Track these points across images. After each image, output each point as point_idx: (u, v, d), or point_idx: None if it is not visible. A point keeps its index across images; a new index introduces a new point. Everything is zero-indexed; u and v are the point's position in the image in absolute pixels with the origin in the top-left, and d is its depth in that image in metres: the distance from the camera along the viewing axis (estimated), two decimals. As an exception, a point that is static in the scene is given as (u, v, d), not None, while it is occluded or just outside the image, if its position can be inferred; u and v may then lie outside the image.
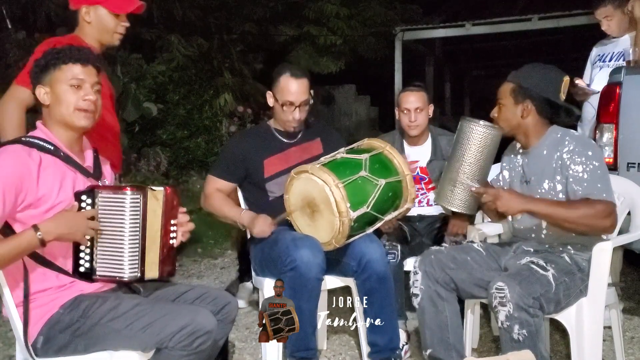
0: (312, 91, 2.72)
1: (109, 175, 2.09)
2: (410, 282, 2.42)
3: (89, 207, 1.84)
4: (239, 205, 2.81)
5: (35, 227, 1.73)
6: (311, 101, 2.71)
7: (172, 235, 1.98)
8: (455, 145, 2.38)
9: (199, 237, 5.14)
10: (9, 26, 6.12)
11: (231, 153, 2.79)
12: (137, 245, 1.85)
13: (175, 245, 1.99)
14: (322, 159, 2.51)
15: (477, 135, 2.30)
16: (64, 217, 1.79)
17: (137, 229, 1.85)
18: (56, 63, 1.89)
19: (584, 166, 2.22)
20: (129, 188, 1.86)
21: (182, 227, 2.02)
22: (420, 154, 3.17)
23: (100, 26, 2.46)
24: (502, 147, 2.59)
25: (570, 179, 2.25)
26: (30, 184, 1.78)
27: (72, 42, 2.32)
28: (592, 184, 2.20)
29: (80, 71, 1.91)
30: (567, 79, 2.36)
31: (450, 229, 3.04)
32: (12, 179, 1.75)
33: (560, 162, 2.28)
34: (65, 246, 1.85)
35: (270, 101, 2.71)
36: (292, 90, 2.62)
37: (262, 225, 2.54)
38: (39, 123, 1.94)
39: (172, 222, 1.98)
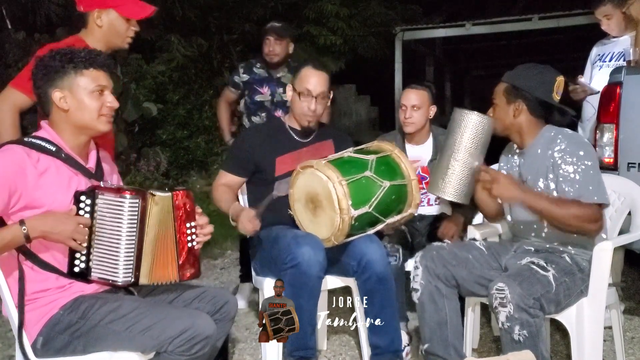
0: (331, 92, 2.73)
1: (109, 174, 2.07)
2: (411, 276, 2.42)
3: (87, 208, 1.84)
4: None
5: (22, 222, 1.74)
6: (329, 97, 2.72)
7: (189, 238, 1.97)
8: (448, 135, 2.39)
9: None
10: (9, 26, 6.12)
11: (242, 147, 2.78)
12: (133, 249, 1.84)
13: (196, 247, 1.99)
14: (329, 156, 2.51)
15: (469, 123, 2.32)
16: (53, 215, 1.79)
17: (134, 233, 1.84)
18: (77, 67, 1.86)
19: (575, 167, 2.22)
20: (128, 192, 1.84)
21: (202, 230, 2.01)
22: (422, 153, 3.17)
23: (111, 30, 2.43)
24: (500, 147, 2.59)
25: (561, 179, 2.25)
26: (26, 185, 1.77)
27: (75, 44, 2.31)
28: (583, 186, 2.20)
29: (103, 77, 1.91)
30: (560, 79, 2.36)
31: (442, 231, 3.01)
32: (6, 178, 1.74)
33: (551, 160, 2.29)
34: (62, 248, 1.85)
35: (289, 94, 2.72)
36: (311, 80, 2.63)
37: (244, 223, 2.49)
38: (43, 123, 1.93)
39: (188, 224, 1.97)
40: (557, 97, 2.36)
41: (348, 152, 2.52)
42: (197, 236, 1.99)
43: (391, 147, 2.56)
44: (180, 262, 1.94)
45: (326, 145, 2.78)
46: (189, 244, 1.97)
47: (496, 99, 2.39)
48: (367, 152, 2.53)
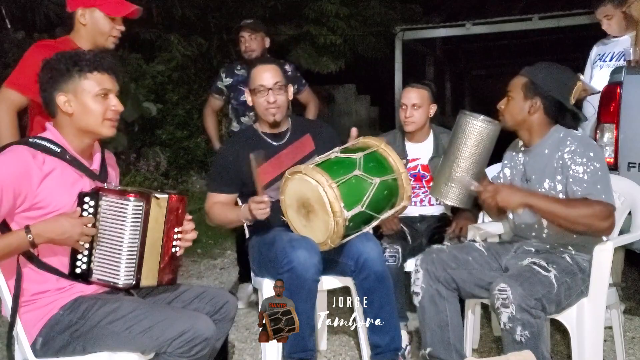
0: (290, 86, 2.73)
1: (113, 178, 2.06)
2: (412, 280, 2.41)
3: (91, 210, 1.83)
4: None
5: (27, 229, 1.73)
6: (289, 93, 2.71)
7: (174, 243, 1.97)
8: (452, 138, 2.38)
9: (199, 237, 5.11)
10: (8, 26, 6.11)
11: (223, 165, 2.76)
12: (135, 252, 1.84)
13: (178, 254, 1.98)
14: (316, 158, 2.49)
15: (475, 129, 2.30)
16: (57, 221, 1.78)
17: (137, 236, 1.84)
18: (82, 70, 1.85)
19: (585, 167, 2.21)
20: (132, 194, 1.84)
21: (186, 235, 2.01)
22: (422, 151, 3.17)
23: (95, 29, 2.44)
24: (503, 145, 2.59)
25: (570, 179, 2.24)
26: (30, 187, 1.77)
27: (64, 45, 2.31)
28: (591, 185, 2.19)
29: (107, 80, 1.89)
30: (580, 84, 2.35)
31: (454, 229, 3.02)
32: (11, 180, 1.74)
33: (561, 162, 2.28)
34: (64, 249, 1.85)
35: (249, 99, 2.73)
36: (261, 75, 2.66)
37: (256, 207, 2.44)
38: (48, 124, 1.92)
39: (176, 229, 1.96)
40: (572, 100, 2.35)
41: (335, 153, 2.50)
42: (181, 241, 1.99)
43: (377, 141, 2.54)
44: (162, 266, 1.93)
45: (305, 141, 2.74)
46: (173, 249, 1.97)
47: (513, 92, 2.35)
48: (353, 150, 2.51)
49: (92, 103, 1.86)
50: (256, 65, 2.73)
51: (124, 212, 1.82)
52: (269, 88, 2.63)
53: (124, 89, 5.84)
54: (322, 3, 8.31)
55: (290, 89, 2.74)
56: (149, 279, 1.89)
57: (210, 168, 3.26)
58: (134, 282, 1.86)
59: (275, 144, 2.72)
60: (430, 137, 3.19)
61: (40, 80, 1.89)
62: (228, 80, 3.76)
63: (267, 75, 2.65)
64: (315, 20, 8.42)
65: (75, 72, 1.85)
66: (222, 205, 2.70)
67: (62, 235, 1.77)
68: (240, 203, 2.81)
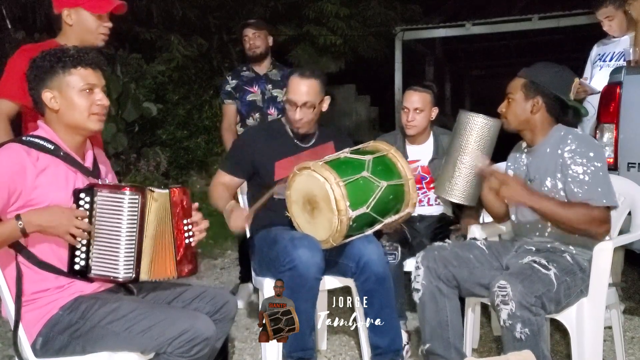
0: (326, 97, 2.70)
1: (105, 173, 2.07)
2: (412, 277, 2.42)
3: (87, 205, 1.84)
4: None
5: (18, 217, 1.74)
6: (323, 106, 2.70)
7: (187, 234, 1.98)
8: (453, 137, 2.39)
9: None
10: (9, 26, 6.11)
11: (242, 149, 2.78)
12: (134, 245, 1.85)
13: (193, 244, 1.99)
14: (326, 157, 2.50)
15: (475, 126, 2.32)
16: (48, 210, 1.79)
17: (134, 229, 1.84)
18: (65, 66, 1.86)
19: (585, 168, 2.22)
20: (127, 188, 1.85)
21: (198, 226, 2.01)
22: (422, 153, 3.17)
23: (82, 28, 2.43)
24: (507, 147, 2.59)
25: (569, 179, 2.24)
26: (25, 184, 1.78)
27: (49, 47, 2.31)
28: (592, 187, 2.20)
29: (92, 75, 1.90)
30: (577, 80, 2.37)
31: (461, 226, 2.99)
32: (6, 177, 1.75)
33: (561, 160, 2.28)
34: (61, 247, 1.85)
35: (284, 99, 2.75)
36: (294, 89, 2.64)
37: (235, 220, 2.50)
38: (40, 122, 1.93)
39: (185, 221, 1.97)
40: (572, 97, 2.37)
41: (344, 153, 2.52)
42: (193, 232, 2.00)
43: (387, 146, 2.56)
44: (178, 258, 1.95)
45: (327, 148, 2.76)
46: (187, 241, 1.98)
47: (513, 94, 2.36)
48: (363, 153, 2.53)
49: (77, 98, 1.87)
50: (294, 74, 2.68)
51: (120, 206, 1.83)
52: (298, 105, 2.63)
53: (124, 89, 5.86)
54: (322, 3, 8.31)
55: (326, 102, 2.72)
56: (149, 273, 1.90)
57: (230, 147, 3.23)
58: (134, 276, 1.86)
59: (300, 144, 2.74)
60: (431, 139, 3.19)
61: (27, 79, 1.90)
62: (234, 82, 3.77)
63: (300, 91, 2.62)
64: (315, 20, 8.42)
65: (59, 68, 1.86)
66: (223, 188, 2.72)
67: (52, 222, 1.77)
68: (241, 196, 2.80)
